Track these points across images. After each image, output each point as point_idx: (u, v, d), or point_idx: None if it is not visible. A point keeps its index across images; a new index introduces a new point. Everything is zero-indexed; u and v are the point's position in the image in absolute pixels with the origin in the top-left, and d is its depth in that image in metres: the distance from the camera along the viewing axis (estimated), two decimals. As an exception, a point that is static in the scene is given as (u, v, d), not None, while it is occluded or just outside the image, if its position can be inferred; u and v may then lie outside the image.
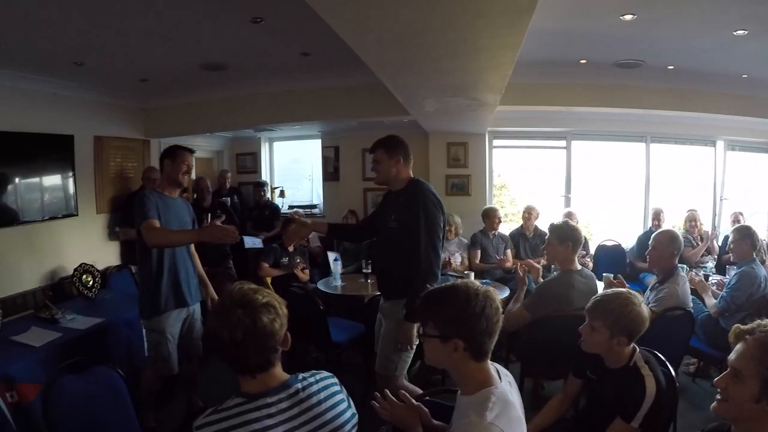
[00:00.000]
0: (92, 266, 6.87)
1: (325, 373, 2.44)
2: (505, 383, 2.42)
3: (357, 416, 2.41)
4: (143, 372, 5.05)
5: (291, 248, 7.76)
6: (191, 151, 5.06)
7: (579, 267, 4.94)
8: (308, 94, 7.87)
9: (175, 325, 4.97)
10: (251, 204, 10.42)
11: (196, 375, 5.41)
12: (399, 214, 4.47)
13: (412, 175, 4.66)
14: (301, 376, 2.34)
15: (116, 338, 5.65)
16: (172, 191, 4.98)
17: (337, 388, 2.41)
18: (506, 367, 2.69)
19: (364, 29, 3.53)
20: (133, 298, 6.53)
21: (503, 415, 2.23)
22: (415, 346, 4.39)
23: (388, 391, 2.67)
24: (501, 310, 2.37)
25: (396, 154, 4.52)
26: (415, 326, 4.26)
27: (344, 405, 2.37)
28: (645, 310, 3.22)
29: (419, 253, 4.26)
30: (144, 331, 5.51)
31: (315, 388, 2.32)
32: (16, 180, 6.74)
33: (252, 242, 8.70)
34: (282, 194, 11.33)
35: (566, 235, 4.84)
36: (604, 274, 5.31)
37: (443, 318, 2.35)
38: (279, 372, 2.31)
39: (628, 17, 4.78)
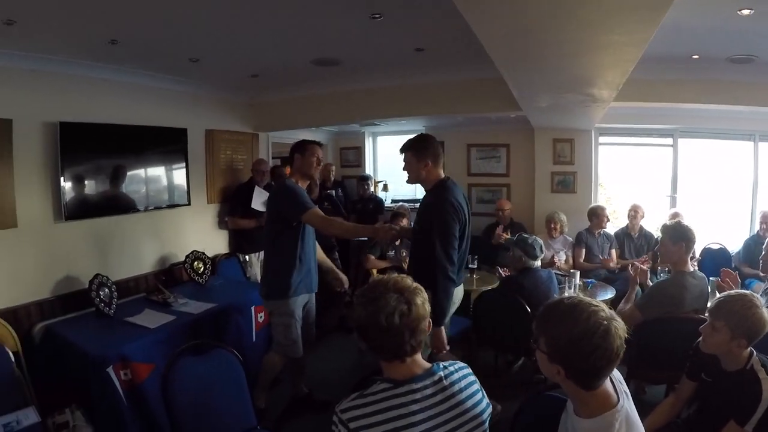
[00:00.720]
0: (203, 253, 7.11)
1: (462, 364, 2.49)
2: (623, 396, 2.30)
3: (490, 406, 2.45)
4: (267, 355, 5.27)
5: (398, 241, 7.77)
6: (320, 144, 5.22)
7: (692, 269, 4.83)
8: (417, 90, 7.84)
9: (301, 308, 5.16)
10: (355, 197, 10.50)
11: (305, 360, 5.52)
12: (419, 217, 4.63)
13: (443, 175, 4.70)
14: (442, 364, 2.39)
15: (226, 323, 5.84)
16: (303, 183, 5.16)
17: (473, 378, 2.46)
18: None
19: (497, 24, 3.53)
20: (241, 285, 6.90)
21: None
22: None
23: None
24: (623, 348, 2.14)
25: (425, 158, 4.57)
26: (443, 329, 4.41)
27: (480, 395, 2.41)
28: (767, 313, 3.18)
29: (434, 259, 4.32)
30: (259, 315, 6.04)
31: (456, 376, 2.37)
32: (134, 170, 7.02)
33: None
34: (385, 188, 11.41)
35: (679, 235, 4.71)
36: (711, 278, 5.19)
37: (551, 340, 2.21)
38: (421, 359, 2.37)
39: (746, 12, 4.63)
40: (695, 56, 6.32)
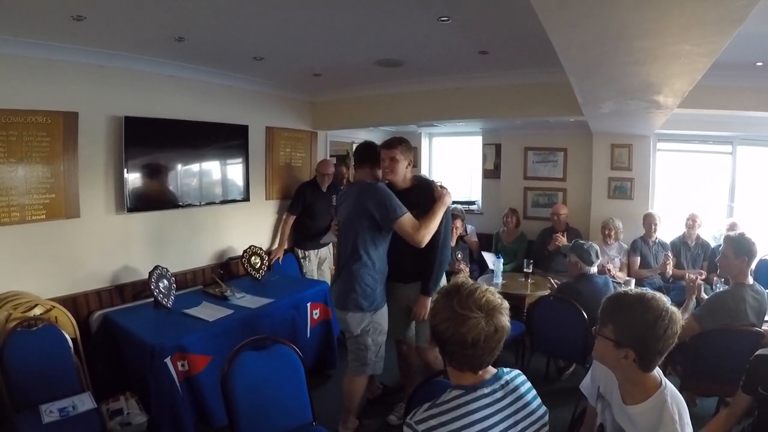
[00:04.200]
0: (260, 249, 7.23)
1: (516, 370, 2.51)
2: (662, 375, 2.52)
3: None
4: (350, 379, 5.01)
5: (452, 243, 7.68)
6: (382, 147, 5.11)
7: (751, 281, 4.74)
8: (478, 92, 7.78)
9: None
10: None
11: None
12: (422, 208, 4.80)
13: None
14: (504, 369, 2.43)
15: (282, 319, 5.91)
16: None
17: (529, 383, 2.49)
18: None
19: (575, 33, 3.51)
20: (297, 281, 7.05)
21: (683, 410, 2.41)
22: None
23: None
24: (678, 333, 2.40)
25: (408, 157, 4.98)
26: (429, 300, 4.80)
27: (538, 397, 2.46)
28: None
29: (440, 238, 4.89)
30: (314, 312, 6.25)
31: (518, 380, 2.43)
32: (195, 165, 7.16)
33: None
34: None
35: (743, 249, 4.62)
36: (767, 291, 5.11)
37: (625, 327, 2.40)
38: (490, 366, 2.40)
39: (812, 18, 4.56)
40: (759, 63, 6.22)
